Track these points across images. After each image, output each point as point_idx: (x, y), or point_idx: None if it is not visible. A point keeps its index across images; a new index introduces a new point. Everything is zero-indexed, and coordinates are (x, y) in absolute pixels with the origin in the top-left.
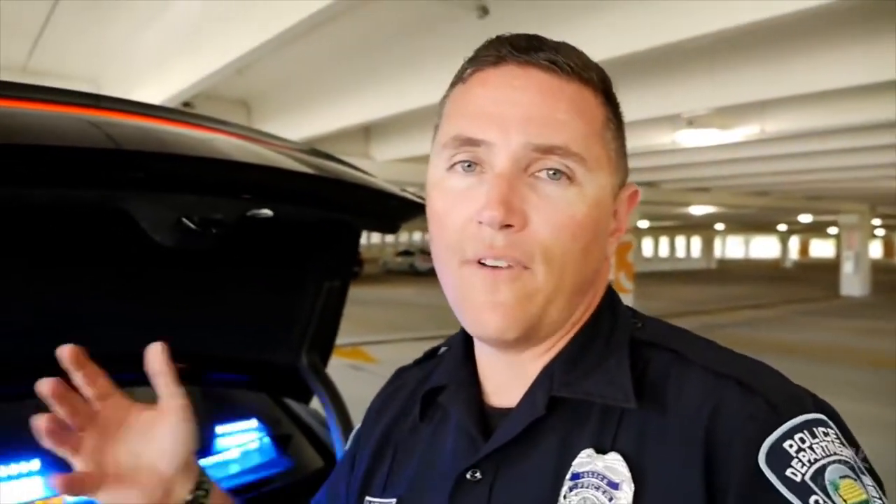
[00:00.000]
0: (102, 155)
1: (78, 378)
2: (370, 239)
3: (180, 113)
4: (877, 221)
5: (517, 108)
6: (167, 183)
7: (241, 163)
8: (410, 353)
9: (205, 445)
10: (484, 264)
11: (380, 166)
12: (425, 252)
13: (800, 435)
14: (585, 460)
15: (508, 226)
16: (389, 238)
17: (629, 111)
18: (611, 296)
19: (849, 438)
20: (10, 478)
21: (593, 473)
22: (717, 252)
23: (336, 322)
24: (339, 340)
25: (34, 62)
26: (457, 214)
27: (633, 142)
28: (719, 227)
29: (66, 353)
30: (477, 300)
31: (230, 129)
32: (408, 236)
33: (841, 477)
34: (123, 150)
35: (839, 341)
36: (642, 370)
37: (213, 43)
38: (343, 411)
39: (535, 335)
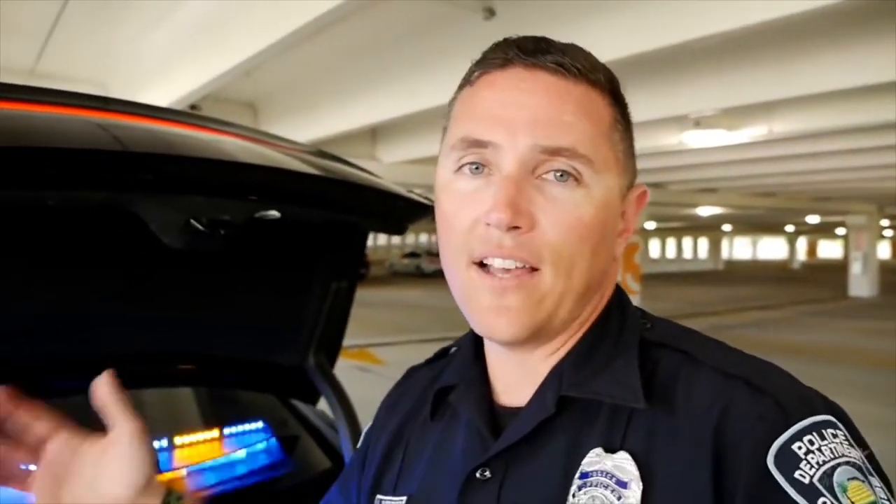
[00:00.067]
0: (111, 157)
1: (19, 418)
2: (376, 241)
3: (188, 115)
4: (885, 222)
5: (524, 110)
6: (175, 185)
7: (249, 164)
8: (417, 354)
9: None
10: (491, 271)
11: (386, 168)
12: (432, 254)
13: (808, 437)
14: (594, 459)
15: (516, 227)
16: (396, 240)
17: (636, 112)
18: (619, 296)
19: (857, 439)
20: None
21: (602, 472)
22: (725, 253)
23: (343, 323)
24: (346, 342)
25: (42, 66)
26: (465, 216)
27: (641, 143)
28: (727, 228)
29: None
30: (483, 303)
31: (237, 130)
32: (414, 238)
33: (849, 479)
34: (132, 153)
35: (847, 342)
36: (651, 370)
37: (220, 45)
38: (350, 412)
39: (544, 334)
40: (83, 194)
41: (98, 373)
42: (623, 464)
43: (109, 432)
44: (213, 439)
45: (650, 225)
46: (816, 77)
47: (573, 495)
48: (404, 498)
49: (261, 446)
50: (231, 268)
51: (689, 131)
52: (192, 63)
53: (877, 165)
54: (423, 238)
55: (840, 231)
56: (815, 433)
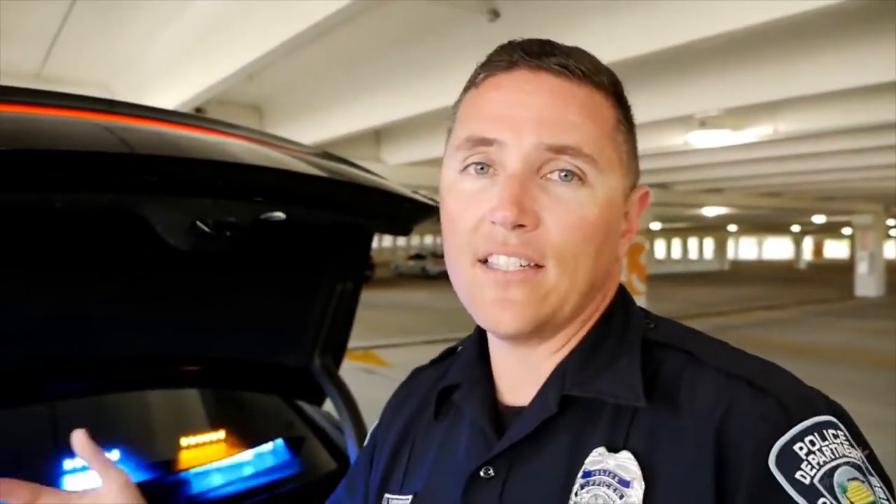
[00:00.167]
0: (117, 159)
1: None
2: (381, 242)
3: (193, 117)
4: (891, 222)
5: (529, 110)
6: (181, 187)
7: (255, 166)
8: (422, 356)
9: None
10: (496, 267)
11: (390, 170)
12: (437, 256)
13: (810, 437)
14: (597, 458)
15: (521, 226)
16: (401, 241)
17: (641, 112)
18: (623, 296)
19: (858, 439)
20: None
21: (605, 471)
22: (730, 253)
23: (349, 324)
24: (352, 344)
25: (48, 69)
26: (469, 215)
27: (645, 143)
28: (732, 228)
29: None
30: (488, 297)
31: (243, 132)
32: (419, 240)
33: (849, 479)
34: (138, 155)
35: (853, 342)
36: (655, 370)
37: (225, 48)
38: (356, 413)
39: (548, 330)
40: (89, 196)
41: (106, 375)
42: (626, 463)
43: (101, 485)
44: (218, 440)
45: (655, 226)
46: (819, 77)
47: (576, 494)
48: (410, 497)
49: (267, 448)
50: (237, 269)
51: (695, 131)
52: (198, 66)
53: (882, 165)
54: (429, 240)
55: (846, 231)
56: (816, 434)
